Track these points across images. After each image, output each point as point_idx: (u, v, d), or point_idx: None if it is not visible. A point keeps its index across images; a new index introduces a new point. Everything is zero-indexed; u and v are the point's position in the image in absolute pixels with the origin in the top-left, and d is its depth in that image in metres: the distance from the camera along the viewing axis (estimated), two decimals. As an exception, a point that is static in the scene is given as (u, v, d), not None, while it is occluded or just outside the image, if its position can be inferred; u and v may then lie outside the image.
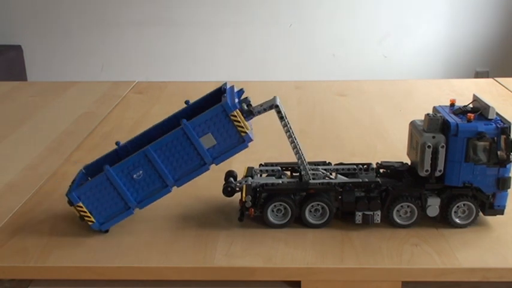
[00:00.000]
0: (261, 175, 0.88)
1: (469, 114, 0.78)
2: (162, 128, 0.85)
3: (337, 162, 0.89)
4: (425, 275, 0.73)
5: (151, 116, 1.31)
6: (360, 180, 0.82)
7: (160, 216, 0.86)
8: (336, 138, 1.18)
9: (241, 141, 0.78)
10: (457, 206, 0.80)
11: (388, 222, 0.82)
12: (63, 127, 1.26)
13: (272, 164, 0.89)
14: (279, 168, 0.88)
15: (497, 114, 0.81)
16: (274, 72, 3.17)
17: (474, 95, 0.84)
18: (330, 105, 1.39)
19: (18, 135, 1.22)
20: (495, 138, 0.77)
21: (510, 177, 0.79)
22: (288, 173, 0.89)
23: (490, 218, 0.84)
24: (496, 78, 1.59)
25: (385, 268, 0.73)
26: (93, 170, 0.85)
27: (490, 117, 0.79)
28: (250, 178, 0.84)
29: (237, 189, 0.84)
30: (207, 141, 0.77)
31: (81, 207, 0.79)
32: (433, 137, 0.78)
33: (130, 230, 0.82)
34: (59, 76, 3.15)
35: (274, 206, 0.81)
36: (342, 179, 0.84)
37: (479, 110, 0.81)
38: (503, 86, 1.52)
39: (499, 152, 0.77)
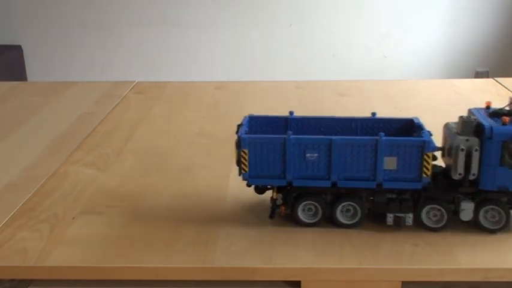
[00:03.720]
0: None
1: (504, 117, 0.76)
2: (340, 122, 0.86)
3: None
4: (425, 275, 0.73)
5: (151, 116, 1.31)
6: None
7: (160, 216, 0.86)
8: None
9: (417, 180, 0.78)
10: (486, 211, 0.78)
11: (418, 224, 0.80)
12: (63, 127, 1.26)
13: None
14: None
15: None
16: (274, 72, 3.17)
17: (511, 98, 0.82)
18: (330, 105, 1.39)
19: (18, 135, 1.22)
20: None
21: None
22: None
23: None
24: (496, 78, 1.59)
25: (385, 268, 0.73)
26: (259, 122, 0.86)
27: None
28: None
29: (268, 186, 0.83)
30: (389, 163, 0.77)
31: (246, 153, 0.79)
32: (467, 140, 0.76)
33: (131, 230, 0.82)
34: (59, 76, 3.15)
35: (305, 205, 0.81)
36: None
37: None
38: (503, 86, 1.52)
39: None
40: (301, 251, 0.76)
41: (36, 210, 0.89)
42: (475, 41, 3.12)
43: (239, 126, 0.83)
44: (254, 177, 0.81)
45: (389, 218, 0.79)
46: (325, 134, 0.84)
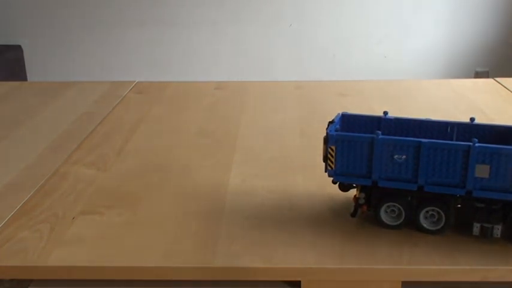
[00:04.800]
0: None
1: None
2: (435, 125, 0.84)
3: None
4: (425, 275, 0.73)
5: (151, 116, 1.31)
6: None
7: (160, 216, 0.86)
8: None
9: (511, 191, 0.74)
10: None
11: (508, 237, 0.77)
12: (63, 127, 1.26)
13: None
14: None
15: None
16: (274, 72, 3.17)
17: None
18: (330, 105, 1.39)
19: (18, 135, 1.22)
20: None
21: None
22: None
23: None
24: (496, 78, 1.59)
25: (385, 268, 0.73)
26: (350, 120, 0.86)
27: None
28: None
29: (354, 185, 0.83)
30: (481, 170, 0.74)
31: (333, 150, 0.79)
32: None
33: (131, 230, 0.82)
34: (59, 76, 3.15)
35: (388, 206, 0.79)
36: None
37: None
38: (503, 86, 1.52)
39: None
40: (301, 251, 0.76)
41: (36, 210, 0.89)
42: (475, 41, 3.12)
43: (330, 123, 0.82)
44: (340, 174, 0.80)
45: (476, 228, 0.76)
46: (418, 137, 0.82)
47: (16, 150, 1.15)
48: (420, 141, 0.75)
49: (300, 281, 0.75)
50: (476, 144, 0.73)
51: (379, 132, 0.78)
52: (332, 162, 0.80)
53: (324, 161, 0.81)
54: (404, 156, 0.77)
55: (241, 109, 1.35)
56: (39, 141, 1.18)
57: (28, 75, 3.19)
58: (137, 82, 1.60)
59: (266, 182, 0.96)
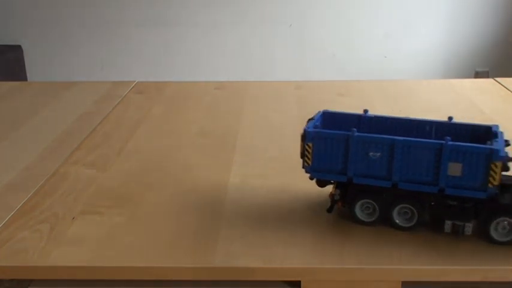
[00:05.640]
0: None
1: None
2: (414, 123, 0.85)
3: None
4: (425, 275, 0.73)
5: (151, 116, 1.31)
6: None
7: (160, 216, 0.86)
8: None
9: (482, 189, 0.75)
10: None
11: (485, 237, 0.77)
12: (63, 127, 1.26)
13: None
14: None
15: None
16: (274, 72, 3.17)
17: None
18: (330, 105, 1.38)
19: (18, 135, 1.22)
20: None
21: None
22: None
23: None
24: (496, 78, 1.59)
25: (385, 268, 0.73)
26: (331, 118, 0.87)
27: None
28: None
29: (331, 181, 0.83)
30: (453, 169, 0.75)
31: (310, 147, 0.81)
32: None
33: (131, 230, 0.82)
34: (59, 76, 3.15)
35: (363, 203, 0.81)
36: None
37: None
38: (503, 86, 1.52)
39: None
40: (301, 251, 0.76)
41: (36, 210, 0.89)
42: (475, 41, 3.12)
43: (309, 120, 0.84)
44: (316, 170, 0.82)
45: (447, 225, 0.77)
46: (397, 135, 0.82)
47: (16, 150, 1.15)
48: (394, 139, 0.76)
49: (300, 281, 0.75)
50: (449, 143, 0.74)
51: (355, 129, 0.79)
52: (309, 158, 0.81)
53: (301, 158, 0.82)
54: (378, 154, 0.78)
55: (241, 109, 1.35)
56: (39, 141, 1.18)
57: (28, 75, 3.19)
58: (137, 82, 1.60)
59: (266, 182, 0.96)
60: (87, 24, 3.14)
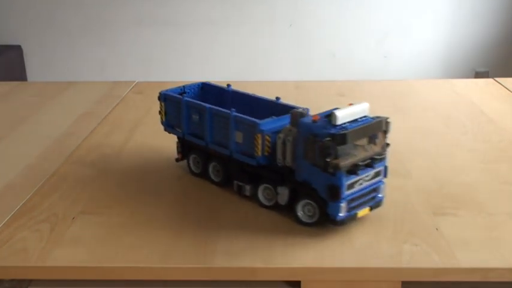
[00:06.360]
0: None
1: (314, 115, 0.80)
2: (261, 101, 0.98)
3: None
4: (425, 275, 0.73)
5: (151, 116, 1.31)
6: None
7: (160, 216, 0.86)
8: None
9: (253, 156, 0.85)
10: (303, 205, 0.81)
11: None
12: (63, 127, 1.26)
13: None
14: None
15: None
16: (274, 72, 3.17)
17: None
18: (330, 105, 1.38)
19: (18, 135, 1.22)
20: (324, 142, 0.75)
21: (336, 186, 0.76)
22: None
23: (489, 218, 0.84)
24: (496, 78, 1.59)
25: (385, 268, 0.73)
26: (208, 89, 1.06)
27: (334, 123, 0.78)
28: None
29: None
30: (238, 136, 0.87)
31: (162, 106, 0.99)
32: (290, 130, 0.81)
33: (131, 230, 0.82)
34: (59, 76, 3.15)
35: (194, 157, 0.97)
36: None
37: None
38: (503, 86, 1.52)
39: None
40: (301, 251, 0.76)
41: (36, 210, 0.89)
42: (475, 41, 3.12)
43: (183, 86, 1.02)
44: (167, 126, 1.00)
45: (235, 185, 0.89)
46: (250, 110, 0.93)
47: (16, 150, 1.15)
48: (205, 106, 0.91)
49: (300, 281, 0.75)
50: (233, 114, 0.87)
51: (186, 95, 0.97)
52: (163, 115, 0.99)
53: (159, 114, 1.00)
54: (197, 117, 0.93)
55: (241, 109, 1.35)
56: (39, 141, 1.18)
57: (28, 75, 3.19)
58: (137, 82, 1.60)
59: (266, 182, 0.96)
60: (87, 24, 3.14)
